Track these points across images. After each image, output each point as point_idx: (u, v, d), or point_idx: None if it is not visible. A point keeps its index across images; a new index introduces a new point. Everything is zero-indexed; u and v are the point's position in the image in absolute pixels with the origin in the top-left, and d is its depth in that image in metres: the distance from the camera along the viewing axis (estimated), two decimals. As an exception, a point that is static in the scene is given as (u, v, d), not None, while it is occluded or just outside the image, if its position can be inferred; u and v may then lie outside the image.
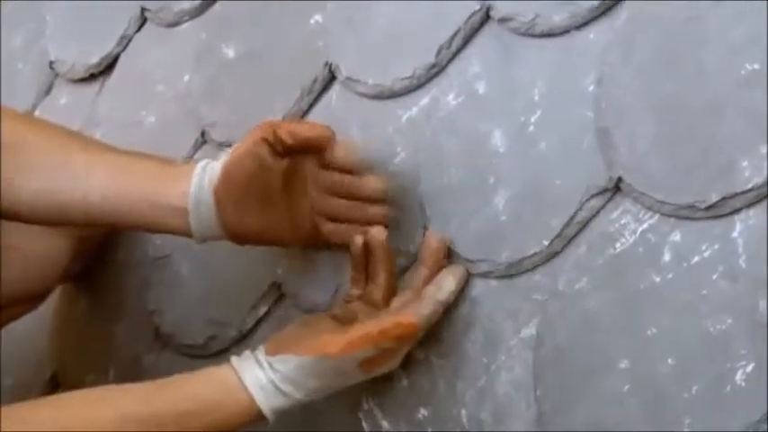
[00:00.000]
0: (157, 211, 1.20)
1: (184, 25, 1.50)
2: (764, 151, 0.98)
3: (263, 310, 1.32)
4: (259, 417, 1.13)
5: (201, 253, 1.34)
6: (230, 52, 1.43)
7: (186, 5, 1.49)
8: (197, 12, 1.49)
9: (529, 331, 1.10)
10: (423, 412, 1.17)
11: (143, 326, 1.41)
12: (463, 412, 1.13)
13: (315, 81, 1.34)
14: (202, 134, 1.42)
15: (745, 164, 0.99)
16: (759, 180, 0.97)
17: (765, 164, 0.97)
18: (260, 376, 1.12)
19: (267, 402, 1.12)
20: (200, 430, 1.11)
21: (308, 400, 1.13)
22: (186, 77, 1.47)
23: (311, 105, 1.34)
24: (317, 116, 1.34)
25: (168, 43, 1.51)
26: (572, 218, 1.10)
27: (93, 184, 1.22)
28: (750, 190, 0.98)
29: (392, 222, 1.21)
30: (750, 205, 0.98)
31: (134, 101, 1.52)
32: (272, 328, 1.28)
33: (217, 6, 1.48)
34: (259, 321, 1.32)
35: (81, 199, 1.22)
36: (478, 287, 1.15)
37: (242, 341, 1.32)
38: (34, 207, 1.22)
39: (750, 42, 1.01)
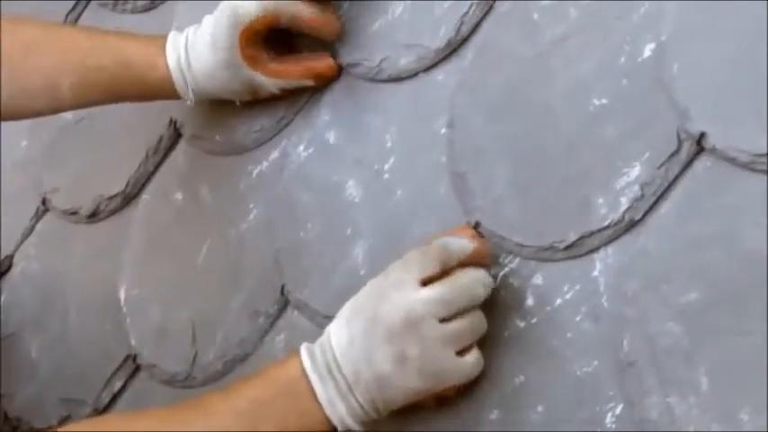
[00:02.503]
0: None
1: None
2: (618, 187, 0.99)
3: (118, 384, 1.29)
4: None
5: (50, 329, 1.31)
6: (68, 114, 1.40)
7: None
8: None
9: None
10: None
11: (-8, 411, 1.37)
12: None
13: (160, 140, 1.33)
14: (43, 202, 1.40)
15: (600, 201, 1.00)
16: (615, 216, 0.99)
17: (620, 200, 0.99)
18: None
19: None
20: None
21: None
22: (24, 143, 1.45)
23: (157, 166, 1.33)
24: (165, 176, 1.33)
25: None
26: (432, 267, 1.10)
27: None
28: (607, 227, 1.00)
29: (246, 279, 1.20)
30: (608, 243, 1.00)
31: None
32: (129, 403, 1.26)
33: (51, 67, 1.45)
34: (115, 397, 1.30)
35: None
36: (341, 345, 1.15)
37: (99, 419, 1.30)
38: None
39: (597, 77, 1.03)
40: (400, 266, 1.04)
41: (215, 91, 1.24)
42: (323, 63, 1.23)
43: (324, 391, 1.02)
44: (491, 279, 1.04)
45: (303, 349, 1.04)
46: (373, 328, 1.02)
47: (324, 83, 1.23)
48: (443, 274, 1.03)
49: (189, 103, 1.25)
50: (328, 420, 1.03)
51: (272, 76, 1.23)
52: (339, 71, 1.23)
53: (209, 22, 1.24)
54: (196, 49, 1.23)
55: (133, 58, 1.24)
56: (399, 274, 1.03)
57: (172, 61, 1.24)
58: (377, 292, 1.04)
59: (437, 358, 1.02)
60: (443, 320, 1.01)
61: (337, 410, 1.03)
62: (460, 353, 1.02)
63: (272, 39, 1.23)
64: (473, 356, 1.03)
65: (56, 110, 1.31)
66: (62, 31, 1.35)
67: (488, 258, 1.06)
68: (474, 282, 1.03)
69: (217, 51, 1.22)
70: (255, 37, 1.22)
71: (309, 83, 1.23)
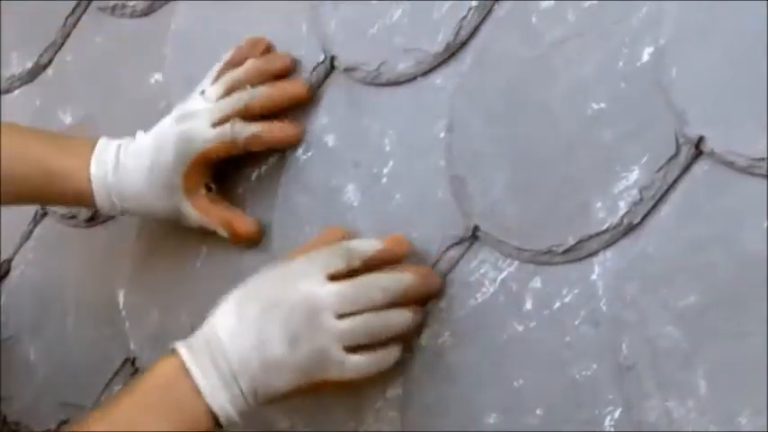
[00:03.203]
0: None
1: (16, 92, 1.49)
2: (617, 191, 1.00)
3: (116, 388, 1.30)
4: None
5: (49, 333, 1.32)
6: (67, 118, 1.41)
7: (16, 70, 1.48)
8: (29, 77, 1.48)
9: (395, 391, 1.11)
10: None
11: (-11, 415, 1.38)
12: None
13: (158, 143, 1.33)
14: (42, 206, 1.40)
15: (599, 204, 1.01)
16: (613, 220, 1.00)
17: (619, 204, 1.00)
18: None
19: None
20: None
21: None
22: (23, 147, 1.45)
23: (156, 169, 1.33)
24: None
25: (1, 112, 1.49)
26: (431, 270, 1.11)
27: None
28: (605, 231, 1.00)
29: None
30: (607, 246, 1.00)
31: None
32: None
33: (50, 70, 1.46)
34: (114, 400, 1.30)
35: None
36: (340, 349, 1.15)
37: (97, 423, 1.30)
38: None
39: (595, 81, 1.04)
40: (305, 260, 1.06)
41: (140, 210, 1.24)
42: (244, 225, 1.22)
43: (206, 382, 1.03)
44: (398, 284, 1.06)
45: (179, 345, 1.05)
46: (270, 310, 1.04)
47: (239, 242, 1.22)
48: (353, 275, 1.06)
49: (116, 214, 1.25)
50: (210, 411, 1.03)
51: (199, 211, 1.22)
52: (258, 239, 1.22)
53: (147, 145, 1.22)
54: (127, 169, 1.22)
55: (56, 171, 1.23)
56: (305, 266, 1.06)
57: (96, 179, 1.22)
58: (277, 279, 1.06)
59: (323, 348, 1.04)
60: (341, 317, 1.04)
61: (218, 399, 1.03)
62: (352, 351, 1.04)
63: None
64: (361, 358, 1.05)
65: None
66: None
67: (399, 257, 1.08)
68: (374, 285, 1.06)
69: (154, 177, 1.21)
70: (204, 163, 1.21)
71: (224, 234, 1.23)
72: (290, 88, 1.22)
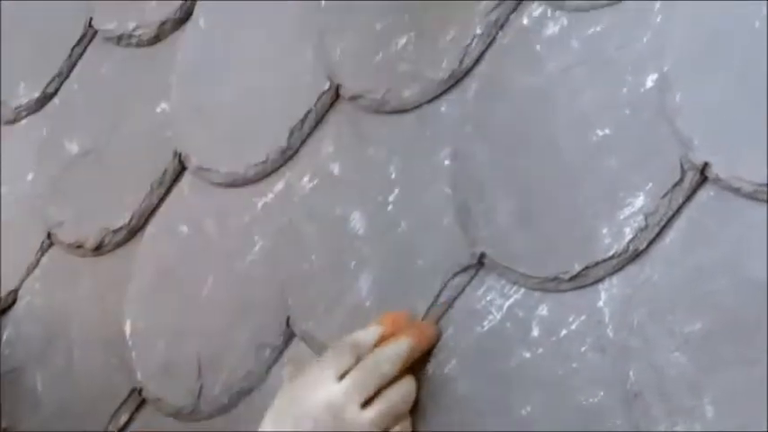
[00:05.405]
0: None
1: (23, 121, 1.50)
2: (623, 217, 1.01)
3: (123, 418, 1.31)
4: None
5: (55, 363, 1.33)
6: (74, 147, 1.43)
7: (24, 100, 1.49)
8: (36, 106, 1.49)
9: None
10: None
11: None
12: None
13: (165, 173, 1.35)
14: (48, 236, 1.41)
15: (605, 231, 1.02)
16: (619, 247, 1.01)
17: (624, 230, 1.01)
18: None
19: None
20: None
21: None
22: (30, 176, 1.47)
23: (162, 198, 1.35)
24: (170, 209, 1.35)
25: (8, 141, 1.51)
26: (437, 298, 1.12)
27: None
28: (611, 257, 1.01)
29: (251, 312, 1.21)
30: (613, 273, 1.01)
31: (-25, 205, 1.51)
32: (136, 438, 1.27)
33: (56, 100, 1.48)
34: (121, 430, 1.31)
35: None
36: (347, 377, 1.16)
37: (104, 454, 1.31)
38: None
39: (600, 108, 1.05)
40: (316, 367, 1.10)
41: None
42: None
43: None
44: (400, 351, 1.08)
45: None
46: (301, 422, 1.08)
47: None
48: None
49: None
50: None
51: None
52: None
53: None
54: None
55: None
56: (317, 373, 1.10)
57: None
58: (298, 392, 1.10)
59: None
60: (365, 404, 1.07)
61: None
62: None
63: None
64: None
65: None
66: None
67: (402, 331, 1.10)
68: (380, 362, 1.09)
69: None
70: None
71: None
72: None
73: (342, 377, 1.08)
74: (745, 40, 0.98)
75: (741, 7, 0.98)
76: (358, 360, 1.09)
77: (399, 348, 1.09)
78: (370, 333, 1.11)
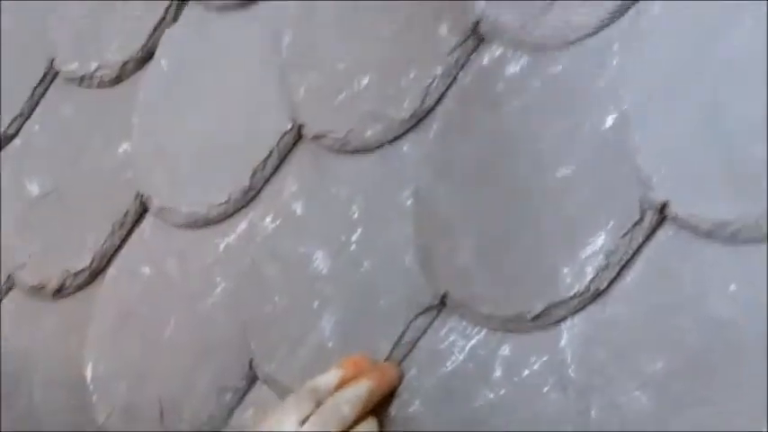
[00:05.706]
0: None
1: (-17, 163, 1.49)
2: (584, 256, 1.01)
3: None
4: None
5: (16, 406, 1.31)
6: (34, 189, 1.42)
7: (-16, 142, 1.49)
8: (-4, 148, 1.49)
9: (367, 462, 1.11)
10: None
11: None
12: None
13: (126, 214, 1.34)
14: (8, 278, 1.40)
15: (566, 270, 1.02)
16: (581, 287, 1.01)
17: (586, 270, 1.01)
18: None
19: None
20: None
21: None
22: (-10, 218, 1.46)
23: (124, 240, 1.34)
24: (131, 251, 1.34)
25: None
26: (400, 338, 1.11)
27: None
28: (573, 297, 1.01)
29: (214, 354, 1.21)
30: (575, 312, 1.01)
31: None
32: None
33: (17, 141, 1.47)
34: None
35: None
36: (308, 419, 1.16)
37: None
38: None
39: (560, 148, 1.05)
40: (279, 413, 1.10)
41: None
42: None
43: None
44: (359, 393, 1.08)
45: None
46: None
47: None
48: None
49: None
50: None
51: None
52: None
53: None
54: None
55: None
56: (280, 420, 1.09)
57: None
58: None
59: None
60: None
61: None
62: None
63: None
64: None
65: None
66: None
67: (363, 373, 1.10)
68: (340, 404, 1.08)
69: None
70: None
71: None
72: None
73: (303, 422, 1.08)
74: (704, 79, 0.99)
75: (699, 48, 0.99)
76: (318, 405, 1.09)
77: (359, 390, 1.09)
78: (330, 377, 1.11)
